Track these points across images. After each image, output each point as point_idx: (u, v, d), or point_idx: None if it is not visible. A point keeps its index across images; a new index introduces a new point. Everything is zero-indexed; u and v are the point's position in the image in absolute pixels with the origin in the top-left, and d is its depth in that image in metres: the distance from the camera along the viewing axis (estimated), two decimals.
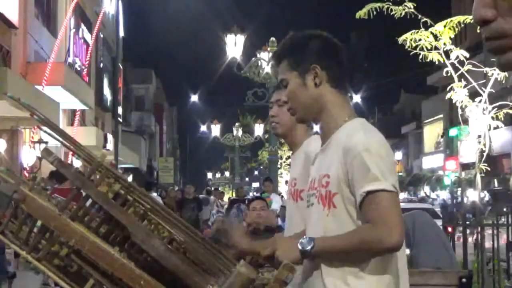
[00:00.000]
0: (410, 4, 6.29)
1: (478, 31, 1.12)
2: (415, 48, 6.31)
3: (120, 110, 30.94)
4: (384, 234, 2.06)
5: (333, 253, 2.18)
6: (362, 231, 2.13)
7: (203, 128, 44.92)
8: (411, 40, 6.28)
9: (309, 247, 2.17)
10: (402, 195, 36.61)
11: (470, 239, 7.71)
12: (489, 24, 1.05)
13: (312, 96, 2.31)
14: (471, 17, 1.17)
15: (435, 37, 6.25)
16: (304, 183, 2.54)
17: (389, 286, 2.18)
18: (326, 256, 2.20)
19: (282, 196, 15.36)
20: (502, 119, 6.35)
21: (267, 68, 15.50)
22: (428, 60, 6.37)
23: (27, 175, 14.37)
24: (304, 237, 2.23)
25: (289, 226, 3.09)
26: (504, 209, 7.90)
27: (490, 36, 1.06)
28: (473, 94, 6.38)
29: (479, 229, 6.27)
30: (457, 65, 6.26)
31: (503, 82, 6.21)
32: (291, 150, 3.29)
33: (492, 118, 6.25)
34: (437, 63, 6.42)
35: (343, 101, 2.34)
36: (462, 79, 6.34)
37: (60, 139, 2.14)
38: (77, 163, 17.42)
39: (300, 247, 2.19)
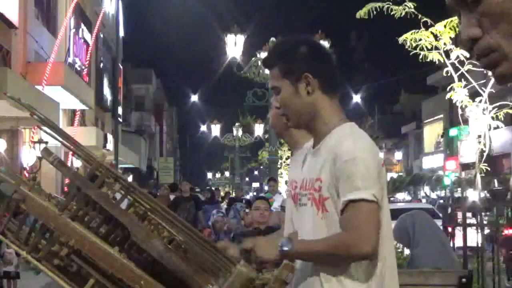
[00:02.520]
0: (410, 4, 6.28)
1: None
2: (415, 48, 6.30)
3: (120, 110, 30.97)
4: (358, 240, 2.14)
5: (311, 255, 2.26)
6: (339, 236, 2.20)
7: (203, 128, 44.96)
8: (411, 40, 6.27)
9: (287, 248, 2.22)
10: (401, 195, 36.62)
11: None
12: (477, 42, 1.11)
13: (305, 104, 2.37)
14: None
15: (435, 37, 6.24)
16: None
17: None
18: (305, 258, 2.28)
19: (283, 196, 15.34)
20: (502, 119, 6.34)
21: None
22: (428, 60, 6.36)
23: (27, 175, 14.36)
24: (284, 237, 2.30)
25: (288, 227, 3.08)
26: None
27: (480, 54, 1.12)
28: (473, 94, 6.37)
29: (479, 229, 6.27)
30: (457, 65, 6.25)
31: None
32: (291, 150, 3.29)
33: (492, 118, 6.24)
34: (437, 63, 6.41)
35: (334, 106, 2.40)
36: (462, 79, 6.33)
37: (60, 139, 2.14)
38: (77, 163, 17.46)
39: (279, 247, 2.24)
